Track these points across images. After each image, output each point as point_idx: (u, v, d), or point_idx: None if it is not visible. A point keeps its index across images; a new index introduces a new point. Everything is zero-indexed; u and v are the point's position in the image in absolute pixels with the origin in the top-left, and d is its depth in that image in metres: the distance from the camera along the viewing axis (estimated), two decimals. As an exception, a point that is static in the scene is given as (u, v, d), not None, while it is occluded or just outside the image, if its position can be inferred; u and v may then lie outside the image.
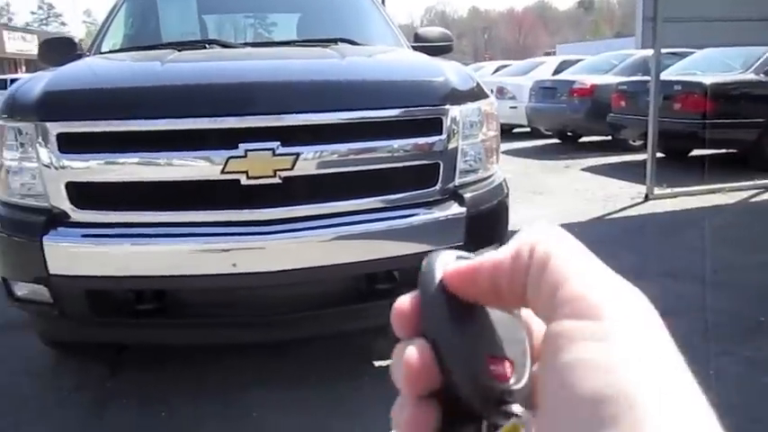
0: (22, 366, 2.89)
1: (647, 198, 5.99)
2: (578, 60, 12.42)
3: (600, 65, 10.74)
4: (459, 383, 0.28)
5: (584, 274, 0.27)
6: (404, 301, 0.30)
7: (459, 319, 0.29)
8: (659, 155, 6.38)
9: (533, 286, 0.28)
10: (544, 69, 12.52)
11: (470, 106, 2.44)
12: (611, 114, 8.50)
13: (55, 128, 2.15)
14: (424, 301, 0.30)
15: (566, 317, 0.26)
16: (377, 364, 2.75)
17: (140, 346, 2.82)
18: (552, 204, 6.00)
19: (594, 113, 9.15)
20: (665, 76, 6.78)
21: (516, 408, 0.27)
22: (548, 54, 28.73)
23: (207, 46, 3.25)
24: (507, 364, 0.28)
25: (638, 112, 7.57)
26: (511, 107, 11.19)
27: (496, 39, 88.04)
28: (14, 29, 55.61)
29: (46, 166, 2.17)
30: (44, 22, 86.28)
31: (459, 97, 2.41)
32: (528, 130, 11.42)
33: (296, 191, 2.18)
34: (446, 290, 0.29)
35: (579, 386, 0.24)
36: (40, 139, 2.16)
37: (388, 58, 3.10)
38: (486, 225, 2.49)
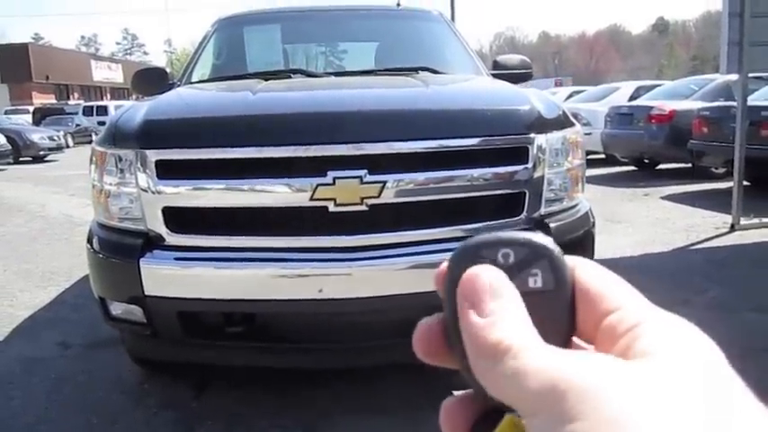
0: (112, 383, 3.00)
1: (733, 228, 5.74)
2: (654, 86, 12.12)
3: (679, 90, 10.44)
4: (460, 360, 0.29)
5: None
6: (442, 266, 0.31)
7: None
8: (745, 183, 6.13)
9: None
10: (620, 95, 12.26)
11: (556, 135, 2.41)
12: (693, 141, 8.23)
13: (154, 155, 2.24)
14: (449, 270, 0.30)
15: (538, 410, 0.25)
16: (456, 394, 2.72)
17: (226, 368, 2.88)
18: (632, 234, 5.83)
19: (673, 140, 8.88)
20: (750, 101, 6.53)
21: None
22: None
23: (291, 75, 3.35)
24: None
25: (722, 139, 7.30)
26: (585, 134, 10.98)
27: (567, 63, 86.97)
28: (101, 58, 58.82)
29: (144, 191, 2.27)
30: (128, 51, 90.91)
31: (545, 125, 2.39)
32: (603, 156, 11.17)
33: (382, 218, 2.20)
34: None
35: None
36: (139, 166, 2.26)
37: (472, 86, 3.11)
38: (573, 255, 2.44)
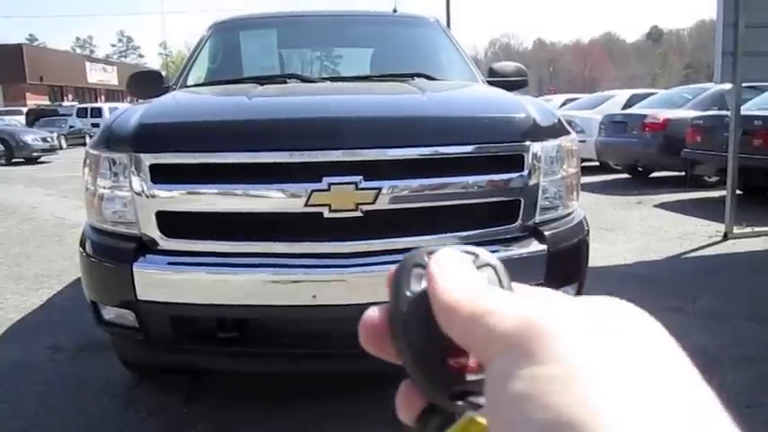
0: (102, 387, 2.98)
1: (726, 237, 5.77)
2: (648, 94, 12.17)
3: (673, 99, 10.49)
4: (415, 375, 0.30)
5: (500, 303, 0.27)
6: (392, 269, 0.32)
7: (417, 299, 0.30)
8: (738, 192, 6.15)
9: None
10: (614, 103, 12.32)
11: (552, 143, 2.42)
12: (686, 150, 8.27)
13: (148, 159, 2.23)
14: (396, 271, 0.32)
15: (506, 348, 0.25)
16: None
17: (217, 373, 2.87)
18: (625, 242, 5.84)
19: (667, 148, 8.92)
20: (743, 110, 6.56)
21: (482, 400, 0.28)
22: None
23: (287, 80, 3.35)
24: (472, 358, 0.29)
25: (715, 148, 7.34)
26: (579, 141, 11.01)
27: (561, 71, 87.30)
28: (96, 60, 58.73)
29: (138, 195, 2.26)
30: (123, 54, 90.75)
31: (540, 133, 2.39)
32: (597, 164, 11.21)
33: (377, 225, 2.20)
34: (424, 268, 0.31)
35: (533, 416, 0.22)
36: (133, 169, 2.25)
37: (468, 93, 3.12)
38: (567, 263, 2.45)
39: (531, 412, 0.23)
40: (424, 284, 0.30)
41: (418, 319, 0.30)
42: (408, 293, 0.31)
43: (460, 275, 0.30)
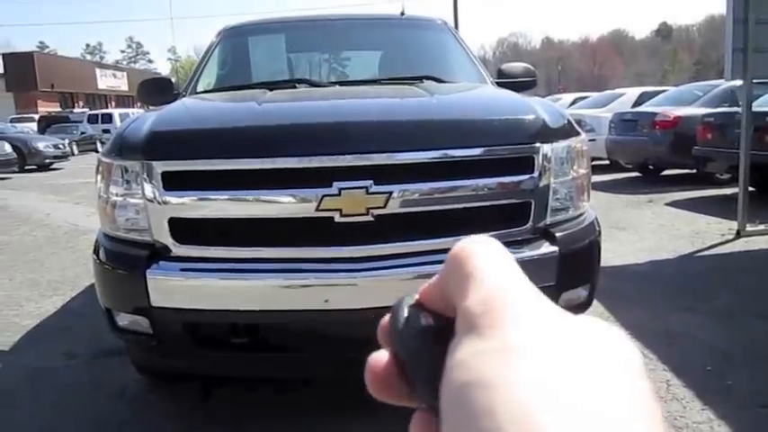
0: (117, 392, 3.00)
1: (738, 235, 5.72)
2: (658, 92, 12.11)
3: (683, 96, 10.42)
4: (422, 395, 0.28)
5: (489, 285, 0.27)
6: (385, 318, 0.32)
7: (424, 335, 0.29)
8: (750, 189, 6.11)
9: (456, 297, 0.28)
10: (624, 101, 12.26)
11: (562, 144, 2.41)
12: (697, 147, 8.21)
13: (160, 166, 2.25)
14: (391, 316, 0.31)
15: (465, 331, 0.26)
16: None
17: (231, 379, 2.88)
18: (637, 240, 5.81)
19: (678, 146, 8.86)
20: (754, 107, 6.52)
21: None
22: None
23: (296, 85, 3.36)
24: None
25: (726, 145, 7.29)
26: (589, 140, 10.96)
27: (570, 69, 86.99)
28: (106, 66, 59.08)
29: (150, 202, 2.27)
30: (133, 59, 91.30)
31: (550, 135, 2.39)
32: (607, 162, 11.17)
33: (388, 229, 2.20)
34: (422, 306, 0.31)
35: (455, 378, 0.24)
36: (145, 177, 2.27)
37: (477, 95, 3.11)
38: (579, 264, 2.44)
39: (455, 376, 0.24)
40: (422, 318, 0.30)
41: (423, 343, 0.29)
42: (408, 319, 0.30)
43: (492, 249, 0.30)
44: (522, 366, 0.23)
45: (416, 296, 0.31)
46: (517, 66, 3.91)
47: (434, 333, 0.29)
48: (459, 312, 0.27)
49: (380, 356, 0.31)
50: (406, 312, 0.31)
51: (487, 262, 0.28)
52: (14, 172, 16.14)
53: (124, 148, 2.41)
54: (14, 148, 16.42)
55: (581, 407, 0.22)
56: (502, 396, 0.22)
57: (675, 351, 3.17)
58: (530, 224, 2.33)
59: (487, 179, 2.27)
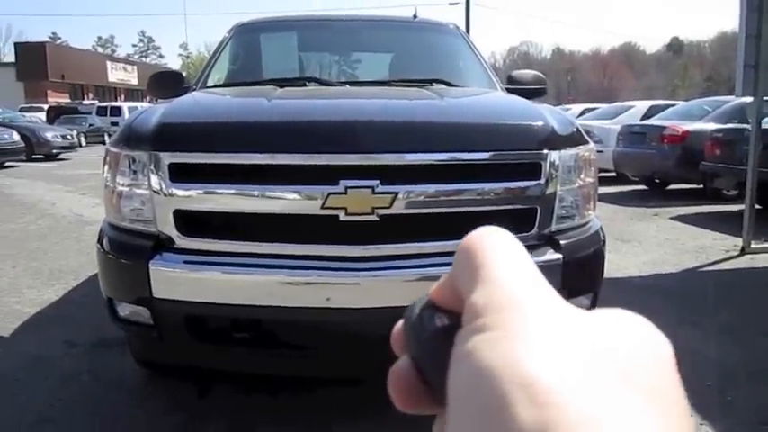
0: (116, 382, 3.00)
1: (743, 251, 5.70)
2: (668, 106, 12.09)
3: (692, 111, 10.40)
4: (442, 399, 0.27)
5: (498, 277, 0.26)
6: (398, 324, 0.31)
7: (437, 336, 0.29)
8: (756, 206, 6.09)
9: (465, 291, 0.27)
10: (633, 114, 12.24)
11: (570, 152, 2.41)
12: (705, 162, 8.19)
13: (168, 158, 2.25)
14: (404, 321, 0.31)
15: (471, 323, 0.25)
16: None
17: (231, 373, 2.88)
18: (641, 254, 5.80)
19: (685, 161, 8.84)
20: (764, 124, 6.50)
21: None
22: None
23: (306, 84, 3.37)
24: None
25: (734, 161, 7.27)
26: (597, 151, 10.95)
27: (580, 81, 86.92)
28: (117, 60, 59.29)
29: (156, 193, 2.28)
30: (144, 54, 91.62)
31: (558, 142, 2.38)
32: (614, 175, 11.15)
33: (392, 229, 2.20)
34: (434, 306, 0.30)
35: (480, 396, 0.22)
36: (152, 168, 2.27)
37: (486, 100, 3.12)
38: (582, 273, 2.44)
39: (460, 368, 0.24)
40: (436, 319, 0.30)
41: (438, 344, 0.28)
42: (422, 321, 0.30)
43: (509, 245, 0.29)
44: (529, 352, 0.23)
45: (428, 297, 0.31)
46: (527, 73, 3.91)
47: (449, 332, 0.27)
48: (466, 305, 0.26)
49: (401, 367, 0.30)
50: (418, 314, 0.30)
51: (497, 254, 0.28)
52: (22, 161, 16.21)
53: (132, 138, 2.42)
54: (23, 137, 16.48)
55: (592, 391, 0.21)
56: (509, 383, 0.22)
57: (676, 365, 3.15)
58: (535, 230, 2.33)
59: (494, 184, 2.27)
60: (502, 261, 0.27)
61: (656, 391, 0.23)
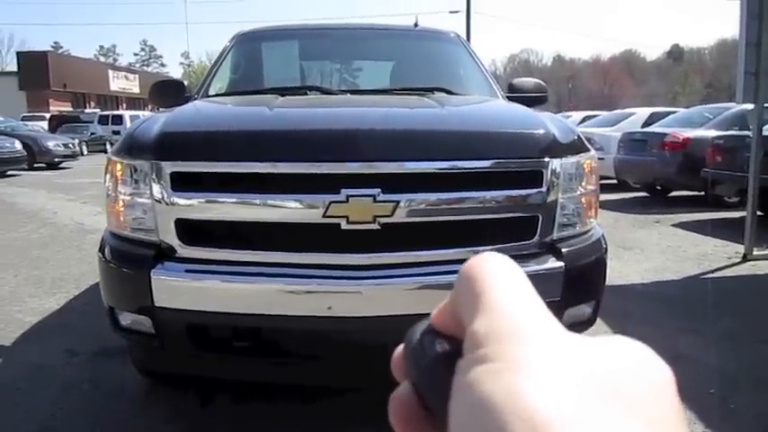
0: (117, 391, 3.00)
1: (745, 258, 5.69)
2: (669, 113, 12.10)
3: (693, 118, 10.41)
4: (443, 426, 0.27)
5: (498, 306, 0.27)
6: (398, 349, 0.31)
7: (437, 362, 0.29)
8: (758, 213, 6.08)
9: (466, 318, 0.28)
10: (634, 121, 12.25)
11: (571, 159, 2.41)
12: (706, 169, 8.19)
13: (169, 167, 2.26)
14: (405, 346, 0.31)
15: (472, 353, 0.25)
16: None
17: (233, 382, 2.87)
18: (642, 261, 5.79)
19: (687, 168, 8.85)
20: (765, 131, 6.49)
21: None
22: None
23: (308, 92, 3.37)
24: None
25: (736, 168, 7.26)
26: (598, 158, 10.96)
27: (581, 88, 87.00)
28: (119, 68, 59.38)
29: (158, 202, 2.28)
30: (145, 62, 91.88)
31: (559, 150, 2.39)
32: (615, 182, 11.15)
33: (394, 238, 2.20)
34: (435, 331, 0.30)
35: (465, 399, 0.23)
36: (154, 177, 2.28)
37: (487, 108, 3.12)
38: (584, 281, 2.43)
39: (462, 398, 0.24)
40: (437, 345, 0.30)
41: (439, 370, 0.28)
42: (422, 347, 0.30)
43: (509, 272, 0.29)
44: (530, 384, 0.23)
45: (429, 322, 0.31)
46: (528, 81, 3.91)
47: (450, 358, 0.28)
48: (467, 334, 0.27)
49: (401, 393, 0.30)
50: (419, 339, 0.30)
51: (497, 281, 0.28)
52: (23, 169, 16.24)
53: (134, 147, 2.42)
54: (24, 145, 16.52)
55: (592, 421, 0.22)
56: (510, 415, 0.22)
57: (678, 373, 3.06)
58: (536, 238, 2.32)
59: (495, 192, 2.27)
60: (502, 288, 0.28)
61: (655, 418, 0.23)
